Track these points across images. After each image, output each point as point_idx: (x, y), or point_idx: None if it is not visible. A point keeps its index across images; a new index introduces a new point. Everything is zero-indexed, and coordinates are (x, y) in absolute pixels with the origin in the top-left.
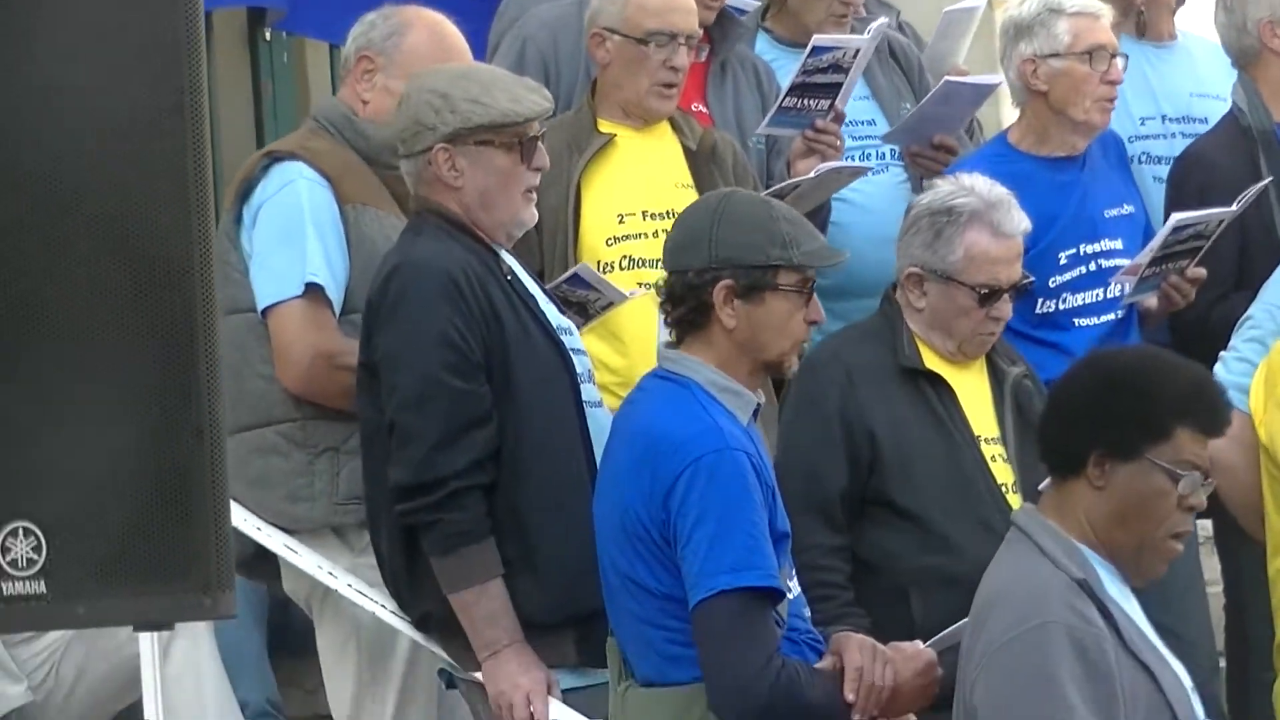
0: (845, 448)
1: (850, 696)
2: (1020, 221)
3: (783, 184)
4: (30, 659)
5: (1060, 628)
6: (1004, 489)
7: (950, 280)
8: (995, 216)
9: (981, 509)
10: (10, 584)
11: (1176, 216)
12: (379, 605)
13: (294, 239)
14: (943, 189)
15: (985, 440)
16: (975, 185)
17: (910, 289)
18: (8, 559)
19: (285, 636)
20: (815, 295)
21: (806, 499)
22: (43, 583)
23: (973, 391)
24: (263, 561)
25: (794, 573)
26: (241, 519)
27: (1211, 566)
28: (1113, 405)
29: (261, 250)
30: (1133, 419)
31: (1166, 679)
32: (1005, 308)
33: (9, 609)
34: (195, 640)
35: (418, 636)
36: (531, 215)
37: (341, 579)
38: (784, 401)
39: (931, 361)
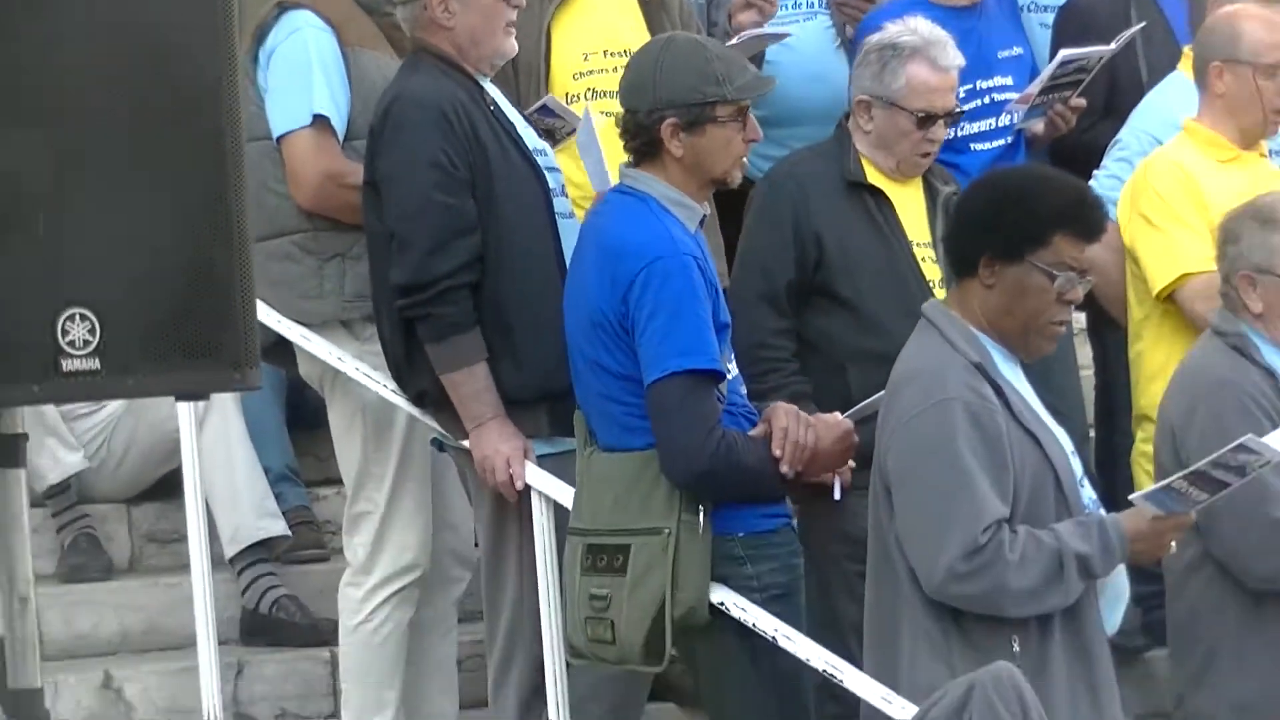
0: (795, 248)
1: (776, 451)
2: (955, 58)
3: None
4: (86, 432)
5: (959, 404)
6: (931, 285)
7: (893, 106)
8: (934, 52)
9: (911, 301)
10: (69, 361)
11: (1064, 52)
12: (381, 385)
13: (302, 77)
14: (890, 29)
15: (918, 244)
16: (918, 26)
17: (860, 114)
18: (66, 340)
19: (301, 413)
20: (752, 117)
21: (759, 290)
22: (97, 360)
23: (909, 203)
24: (281, 350)
25: (733, 357)
26: (264, 313)
27: (1085, 353)
28: (1000, 216)
29: (275, 87)
30: (1016, 228)
31: (1049, 444)
32: (940, 131)
33: (68, 382)
34: (225, 415)
35: (414, 411)
36: (512, 47)
37: (349, 363)
38: (747, 210)
39: (874, 177)
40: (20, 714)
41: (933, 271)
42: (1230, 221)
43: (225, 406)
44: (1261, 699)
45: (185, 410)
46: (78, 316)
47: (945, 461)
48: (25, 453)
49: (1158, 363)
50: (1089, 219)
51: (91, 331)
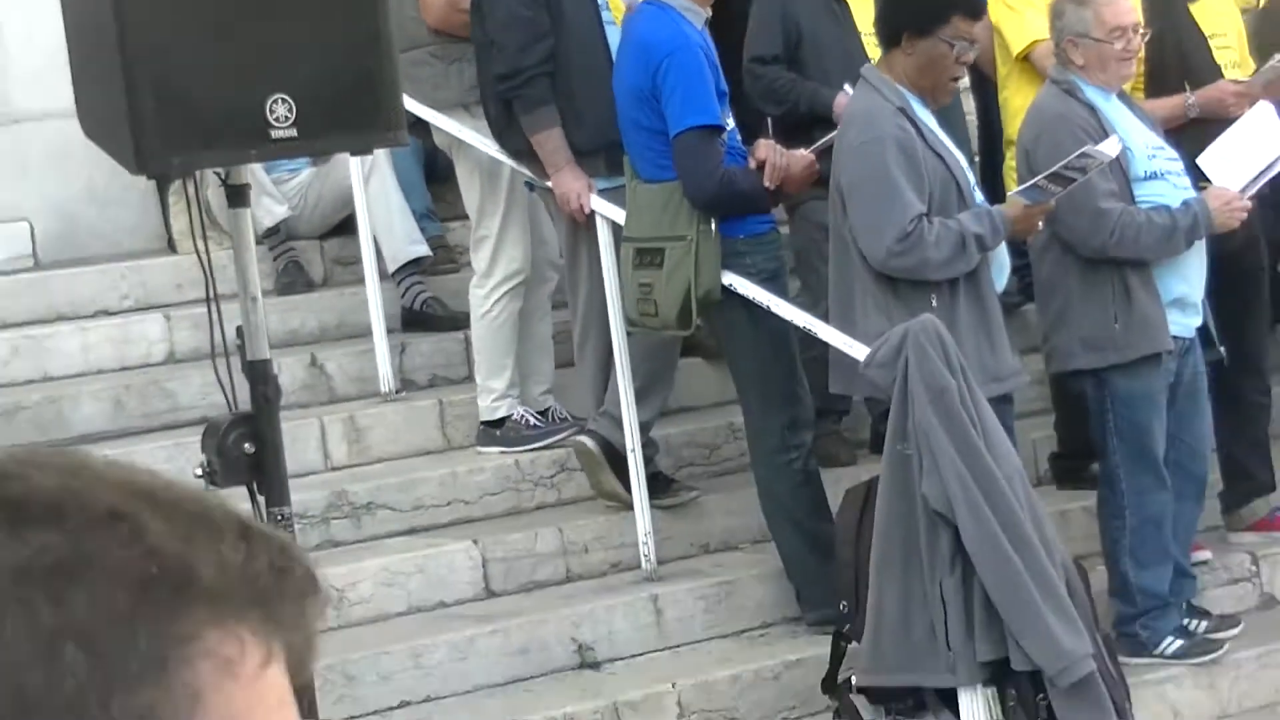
0: (781, 33)
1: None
2: None
3: None
4: (288, 191)
5: (890, 138)
6: (872, 61)
7: None
8: None
9: (858, 71)
10: (276, 131)
11: None
12: (491, 147)
13: None
14: None
15: (865, 34)
16: None
17: None
18: (273, 117)
19: (435, 170)
20: None
21: (758, 56)
22: (295, 130)
23: (861, 4)
24: (421, 127)
25: (730, 114)
26: (408, 103)
27: (969, 104)
28: (914, 4)
29: None
30: (926, 12)
31: (952, 162)
32: None
33: (276, 147)
34: (382, 173)
35: (513, 163)
36: None
37: (468, 134)
38: (750, 13)
39: None
40: (256, 377)
41: (874, 53)
42: (1057, 3)
43: (382, 167)
44: (1095, 333)
45: (355, 166)
46: (280, 100)
47: (881, 177)
48: (250, 198)
49: (1018, 104)
50: (975, 3)
51: (290, 110)
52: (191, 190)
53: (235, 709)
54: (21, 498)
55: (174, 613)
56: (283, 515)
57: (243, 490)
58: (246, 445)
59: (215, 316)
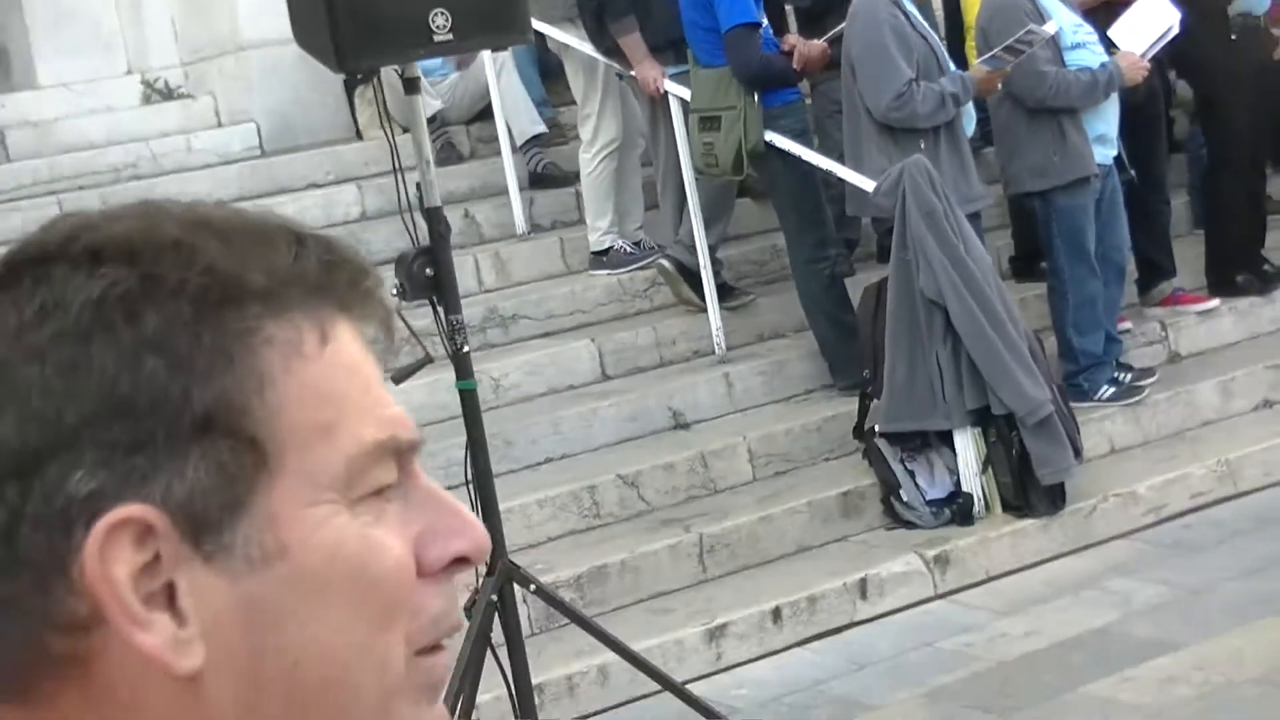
0: None
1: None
2: None
3: None
4: (441, 89)
5: (886, 23)
6: None
7: None
8: None
9: None
10: (436, 35)
11: None
12: (588, 47)
13: None
14: None
15: None
16: None
17: None
18: (435, 24)
19: (548, 69)
20: None
21: None
22: (451, 34)
23: None
24: (537, 36)
25: (764, 14)
26: None
27: (937, 3)
28: None
29: None
30: None
31: (933, 41)
32: None
33: (436, 47)
34: (510, 73)
35: (605, 60)
36: None
37: (572, 39)
38: None
39: None
40: (432, 219)
41: None
42: None
43: (509, 68)
44: (1040, 163)
45: (490, 68)
46: (440, 12)
47: (881, 53)
48: (420, 86)
49: None
50: None
51: (447, 20)
52: (375, 84)
53: (306, 379)
54: (101, 243)
55: (230, 314)
56: (457, 321)
57: (426, 306)
58: (428, 270)
59: (400, 180)
